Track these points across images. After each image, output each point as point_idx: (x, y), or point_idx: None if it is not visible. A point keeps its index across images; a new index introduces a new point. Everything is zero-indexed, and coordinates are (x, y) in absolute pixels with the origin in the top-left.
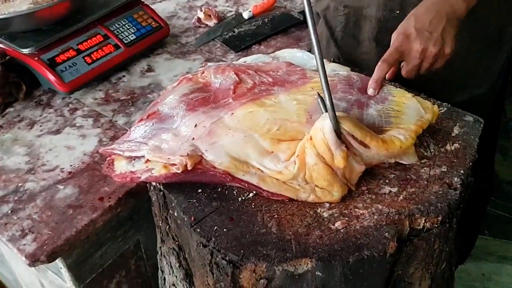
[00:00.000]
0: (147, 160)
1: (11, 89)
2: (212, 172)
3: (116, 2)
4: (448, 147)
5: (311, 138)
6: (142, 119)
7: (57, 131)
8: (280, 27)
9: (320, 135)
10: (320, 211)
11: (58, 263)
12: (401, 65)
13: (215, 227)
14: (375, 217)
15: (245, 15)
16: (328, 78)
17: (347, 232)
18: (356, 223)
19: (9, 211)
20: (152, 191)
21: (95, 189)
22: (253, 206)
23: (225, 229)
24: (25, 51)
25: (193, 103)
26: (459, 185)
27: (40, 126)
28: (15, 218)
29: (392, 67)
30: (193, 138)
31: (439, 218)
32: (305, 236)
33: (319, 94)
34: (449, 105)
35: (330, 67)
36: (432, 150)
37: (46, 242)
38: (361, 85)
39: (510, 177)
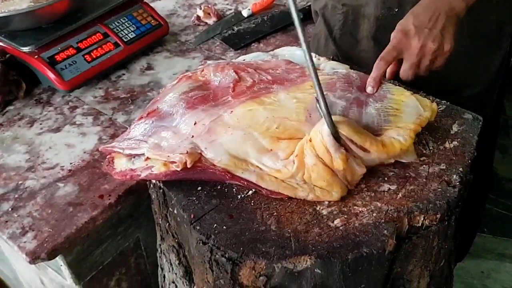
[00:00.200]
0: (147, 158)
1: (11, 87)
2: (211, 170)
3: (116, 0)
4: (447, 144)
5: (310, 140)
6: (142, 117)
7: (57, 129)
8: (279, 25)
9: (319, 137)
10: (319, 208)
11: (58, 260)
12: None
13: (215, 225)
14: (374, 214)
15: (244, 13)
16: (327, 76)
17: (346, 230)
18: (355, 221)
19: (10, 209)
20: (152, 189)
21: (95, 187)
22: (252, 204)
23: (224, 227)
24: (25, 49)
25: (192, 101)
26: (458, 183)
27: (40, 124)
28: (16, 215)
29: (390, 65)
30: (193, 136)
31: (438, 216)
32: (304, 234)
33: (317, 99)
34: (448, 103)
35: (329, 65)
36: (431, 148)
37: (47, 239)
38: (360, 83)
39: (509, 174)
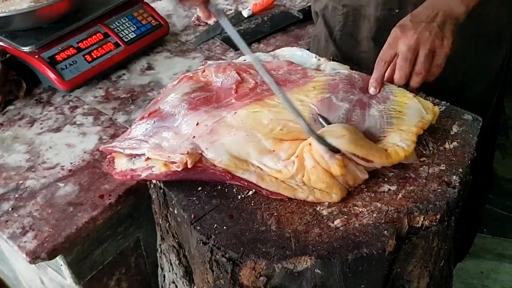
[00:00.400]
0: (148, 158)
1: (12, 87)
2: (212, 170)
3: (116, 0)
4: (447, 145)
5: (310, 144)
6: (143, 117)
7: (58, 129)
8: (279, 25)
9: (315, 144)
10: (320, 209)
11: (59, 260)
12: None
13: (215, 225)
14: (374, 215)
15: (245, 13)
16: (330, 77)
17: (346, 230)
18: (355, 221)
19: (10, 209)
20: (152, 189)
21: (95, 187)
22: (252, 204)
23: (225, 227)
24: (26, 49)
25: (195, 102)
26: (457, 183)
27: (41, 124)
28: (16, 215)
29: (390, 64)
30: (194, 137)
31: (438, 216)
32: (305, 234)
33: (318, 114)
34: (448, 103)
35: (330, 65)
36: (431, 149)
37: (47, 239)
38: (362, 84)
39: (509, 175)
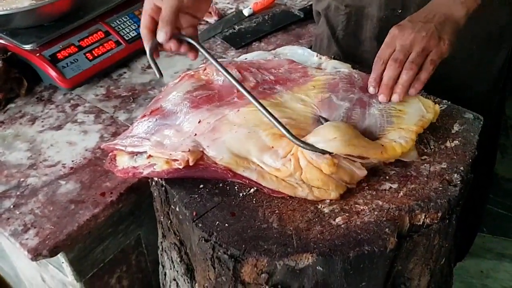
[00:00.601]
0: (149, 156)
1: (13, 85)
2: (213, 168)
3: None
4: (448, 144)
5: None
6: (145, 115)
7: (59, 127)
8: (280, 24)
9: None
10: (321, 206)
11: (60, 257)
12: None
13: (217, 222)
14: (376, 213)
15: (246, 12)
16: (330, 76)
17: (347, 228)
18: (356, 219)
19: (11, 206)
20: (154, 187)
21: (96, 185)
22: (254, 202)
23: (226, 224)
24: (27, 47)
25: (197, 101)
26: (458, 182)
27: (42, 122)
28: (17, 213)
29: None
30: (195, 134)
31: (439, 214)
32: (306, 231)
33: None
34: (449, 102)
35: (331, 64)
36: (432, 147)
37: (48, 236)
38: (362, 83)
39: (509, 174)
